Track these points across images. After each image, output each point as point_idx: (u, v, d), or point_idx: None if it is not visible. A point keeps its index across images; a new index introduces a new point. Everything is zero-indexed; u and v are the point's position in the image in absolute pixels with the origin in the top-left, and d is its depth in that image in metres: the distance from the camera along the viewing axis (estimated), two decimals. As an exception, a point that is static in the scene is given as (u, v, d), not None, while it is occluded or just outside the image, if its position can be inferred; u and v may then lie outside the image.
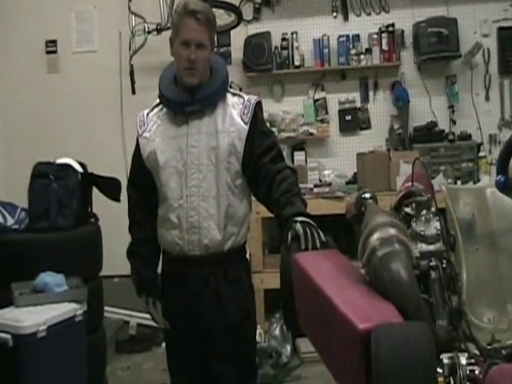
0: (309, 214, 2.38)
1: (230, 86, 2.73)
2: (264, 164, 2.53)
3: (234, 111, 2.56)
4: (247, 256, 2.80)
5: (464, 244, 2.43)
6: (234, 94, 2.64)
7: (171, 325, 2.67)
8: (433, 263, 2.20)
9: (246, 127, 2.53)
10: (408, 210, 2.39)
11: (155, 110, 2.67)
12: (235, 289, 2.59)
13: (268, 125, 4.93)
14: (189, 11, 2.47)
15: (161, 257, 2.74)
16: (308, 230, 2.27)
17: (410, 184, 2.51)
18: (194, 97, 2.53)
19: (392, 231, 2.07)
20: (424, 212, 2.32)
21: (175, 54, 2.56)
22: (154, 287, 2.70)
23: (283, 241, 2.32)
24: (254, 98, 2.62)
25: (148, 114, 2.67)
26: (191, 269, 2.55)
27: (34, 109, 5.61)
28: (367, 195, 2.55)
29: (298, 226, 2.27)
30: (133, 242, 2.73)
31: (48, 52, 5.67)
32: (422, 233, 2.27)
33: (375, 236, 2.07)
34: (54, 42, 5.65)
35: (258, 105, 2.61)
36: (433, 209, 2.34)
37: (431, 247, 2.26)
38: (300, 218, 2.31)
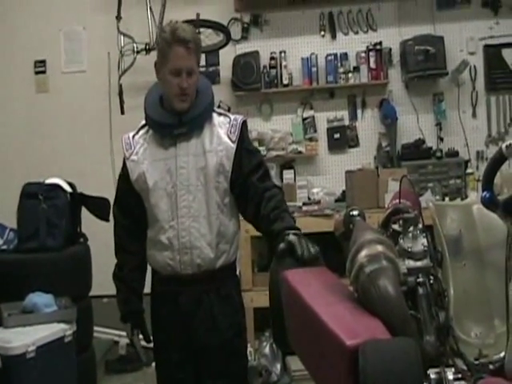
0: (299, 228, 2.40)
1: (219, 106, 2.75)
2: (252, 183, 2.54)
3: (221, 130, 2.57)
4: (237, 273, 2.80)
5: (451, 260, 2.45)
6: (219, 114, 2.65)
7: (163, 344, 2.66)
8: (420, 279, 2.22)
9: (234, 146, 2.54)
10: (395, 226, 2.41)
11: (141, 132, 2.66)
12: (227, 306, 2.60)
13: (257, 143, 5.02)
14: (178, 39, 2.44)
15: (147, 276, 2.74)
16: (302, 240, 2.28)
17: (397, 201, 2.53)
18: (181, 119, 2.52)
19: (380, 248, 2.08)
20: (411, 229, 2.34)
21: (164, 80, 2.53)
22: (140, 318, 2.70)
23: (274, 255, 2.33)
24: (240, 118, 2.63)
25: (134, 137, 2.65)
26: (183, 288, 2.55)
27: (23, 128, 5.61)
28: (355, 212, 2.57)
29: (292, 237, 2.29)
30: (120, 268, 2.71)
31: (37, 72, 5.67)
32: (410, 249, 2.28)
33: (363, 253, 2.08)
34: (43, 62, 5.66)
35: (245, 124, 2.62)
36: (420, 225, 2.36)
37: (418, 263, 2.27)
38: (292, 231, 2.32)
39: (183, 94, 2.49)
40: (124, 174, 2.66)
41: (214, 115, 2.62)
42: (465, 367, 2.03)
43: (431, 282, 2.24)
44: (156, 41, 5.08)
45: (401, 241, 2.33)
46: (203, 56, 5.21)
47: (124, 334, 2.82)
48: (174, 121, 2.53)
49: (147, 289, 2.72)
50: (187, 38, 2.45)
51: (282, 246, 2.28)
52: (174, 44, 2.46)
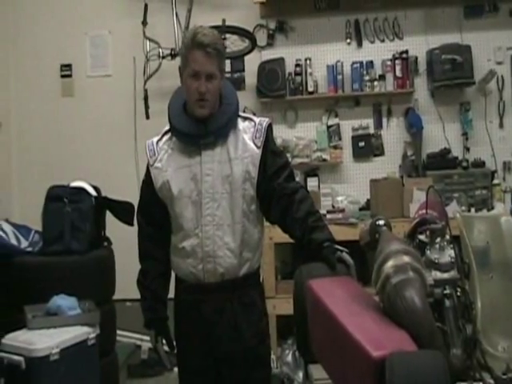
0: (335, 240, 2.47)
1: (244, 111, 2.72)
2: (278, 184, 2.53)
3: (246, 136, 2.56)
4: (261, 280, 2.79)
5: (478, 272, 2.41)
6: (244, 118, 2.63)
7: (186, 351, 2.66)
8: (447, 291, 2.19)
9: (259, 151, 2.53)
10: (422, 237, 2.38)
11: (165, 138, 2.65)
12: (251, 313, 2.59)
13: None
14: (197, 44, 2.44)
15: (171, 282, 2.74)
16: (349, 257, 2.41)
17: (424, 211, 2.50)
18: (207, 129, 2.51)
19: (406, 259, 2.06)
20: (438, 240, 2.32)
21: (185, 85, 2.53)
22: (164, 325, 2.70)
23: (330, 268, 2.38)
24: (265, 121, 2.61)
25: (158, 143, 2.64)
26: (206, 296, 2.54)
27: (48, 132, 5.65)
28: (381, 222, 2.55)
29: (346, 257, 2.40)
30: (144, 275, 2.70)
31: (63, 76, 5.71)
32: (436, 260, 2.26)
33: (389, 263, 2.06)
34: (68, 66, 5.70)
35: (270, 127, 2.61)
36: (447, 236, 2.34)
37: (445, 275, 2.25)
38: (341, 248, 2.44)
39: (202, 99, 2.48)
40: (147, 180, 2.65)
41: (239, 120, 2.61)
42: (492, 382, 2.00)
43: (458, 294, 2.21)
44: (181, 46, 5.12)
45: (427, 252, 2.30)
46: (228, 62, 5.23)
47: (146, 338, 2.83)
48: (200, 131, 2.51)
49: (171, 294, 2.73)
50: (206, 42, 2.44)
51: (339, 267, 2.37)
52: (192, 48, 2.46)
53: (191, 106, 2.53)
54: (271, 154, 2.57)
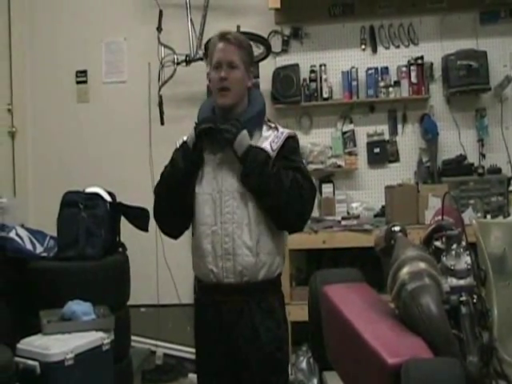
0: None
1: (269, 120, 2.74)
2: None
3: (266, 141, 2.60)
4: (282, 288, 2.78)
5: (495, 279, 2.40)
6: (270, 127, 2.67)
7: (205, 353, 2.67)
8: (463, 298, 2.18)
9: (273, 153, 2.56)
10: (438, 243, 2.38)
11: None
12: (269, 319, 2.60)
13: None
14: (221, 36, 2.57)
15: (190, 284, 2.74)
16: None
17: (440, 218, 2.49)
18: (231, 117, 2.57)
19: (422, 265, 2.06)
20: (454, 246, 2.31)
21: (210, 80, 2.63)
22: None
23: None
24: (286, 132, 2.65)
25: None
26: (226, 298, 2.57)
27: (63, 137, 5.67)
28: (397, 228, 2.55)
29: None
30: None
31: (78, 82, 5.73)
32: (453, 267, 2.25)
33: (405, 270, 2.06)
34: (84, 72, 5.72)
35: (291, 139, 2.65)
36: (463, 243, 2.33)
37: (462, 282, 2.23)
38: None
39: (223, 86, 2.54)
40: None
41: (264, 128, 2.67)
42: (509, 390, 1.98)
43: (474, 301, 2.20)
44: (197, 51, 5.14)
45: (443, 258, 2.30)
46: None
47: (161, 344, 2.81)
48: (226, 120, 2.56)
49: (191, 299, 2.72)
50: (228, 33, 2.58)
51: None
52: (217, 41, 2.58)
53: (215, 98, 2.61)
54: (285, 159, 2.60)
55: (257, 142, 2.58)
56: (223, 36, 2.57)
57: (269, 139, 2.60)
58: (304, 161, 5.12)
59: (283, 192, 2.49)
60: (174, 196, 2.61)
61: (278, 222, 2.58)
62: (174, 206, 2.63)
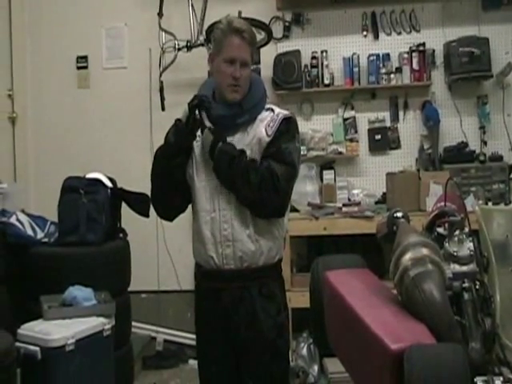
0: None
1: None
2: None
3: (262, 124, 2.57)
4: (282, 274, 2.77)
5: (497, 265, 2.39)
6: (266, 109, 2.64)
7: (205, 339, 2.67)
8: (466, 284, 2.18)
9: (267, 139, 2.54)
10: (441, 230, 2.37)
11: None
12: (269, 305, 2.58)
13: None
14: (234, 29, 2.51)
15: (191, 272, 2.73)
16: None
17: (442, 204, 2.48)
18: (243, 107, 2.56)
19: (425, 251, 2.05)
20: (457, 232, 2.30)
21: (218, 71, 2.57)
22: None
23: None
24: (282, 114, 2.61)
25: None
26: (225, 284, 2.56)
27: (64, 124, 5.65)
28: (399, 214, 2.54)
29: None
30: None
31: (79, 68, 5.70)
32: (455, 253, 2.24)
33: (407, 256, 2.05)
34: (84, 57, 5.69)
35: (286, 120, 2.60)
36: (466, 229, 2.32)
37: (464, 268, 2.23)
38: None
39: (236, 84, 2.53)
40: None
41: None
42: (511, 376, 1.98)
43: (477, 287, 2.20)
44: (198, 37, 5.11)
45: (446, 244, 2.29)
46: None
47: (161, 330, 2.81)
48: (236, 110, 2.55)
49: (191, 286, 2.72)
50: (243, 28, 2.52)
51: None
52: (229, 33, 2.52)
53: (223, 91, 2.57)
54: (278, 151, 2.55)
55: (253, 125, 2.57)
56: (238, 31, 2.51)
57: (264, 122, 2.57)
58: (304, 147, 5.13)
59: (254, 190, 2.47)
60: (166, 172, 2.60)
61: (257, 215, 2.55)
62: (168, 183, 2.61)
